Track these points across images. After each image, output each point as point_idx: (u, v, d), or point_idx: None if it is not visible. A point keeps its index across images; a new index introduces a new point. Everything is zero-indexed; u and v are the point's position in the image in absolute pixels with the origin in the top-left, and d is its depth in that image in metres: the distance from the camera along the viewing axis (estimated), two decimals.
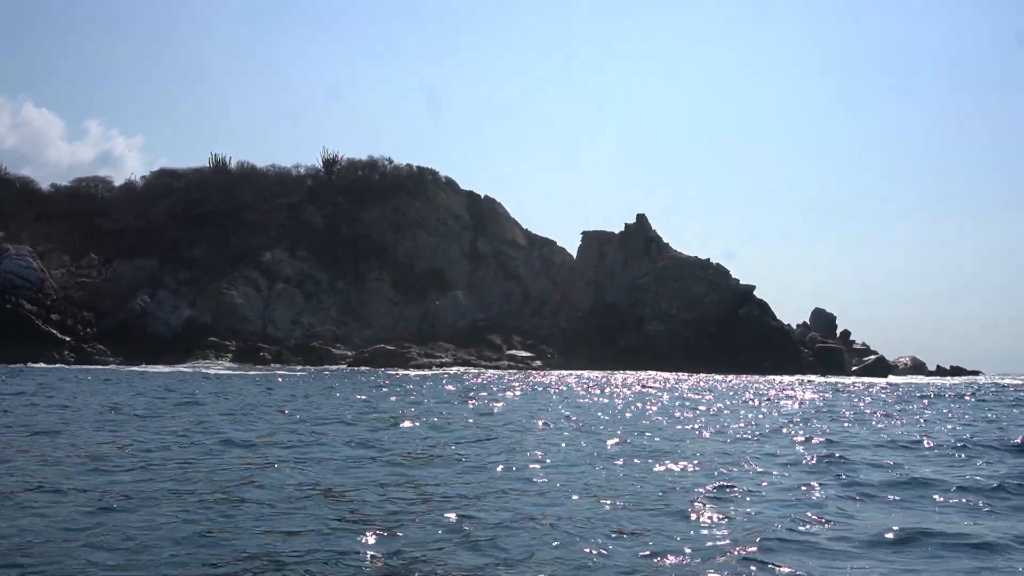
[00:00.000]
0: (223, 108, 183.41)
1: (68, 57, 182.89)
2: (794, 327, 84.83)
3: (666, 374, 62.26)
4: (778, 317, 78.29)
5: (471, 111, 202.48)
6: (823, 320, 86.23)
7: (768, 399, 34.16)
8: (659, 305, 72.33)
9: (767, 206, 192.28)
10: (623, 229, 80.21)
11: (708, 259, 75.26)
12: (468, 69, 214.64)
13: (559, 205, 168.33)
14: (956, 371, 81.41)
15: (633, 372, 63.69)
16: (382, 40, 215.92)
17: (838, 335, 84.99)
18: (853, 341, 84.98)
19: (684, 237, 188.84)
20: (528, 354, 74.35)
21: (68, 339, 64.20)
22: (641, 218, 79.78)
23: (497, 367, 62.95)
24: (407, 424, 19.91)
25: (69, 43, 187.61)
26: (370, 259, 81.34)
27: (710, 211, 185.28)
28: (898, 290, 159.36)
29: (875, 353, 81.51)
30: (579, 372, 63.30)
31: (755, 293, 76.09)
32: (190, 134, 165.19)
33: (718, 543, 8.49)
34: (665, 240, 79.93)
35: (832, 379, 61.60)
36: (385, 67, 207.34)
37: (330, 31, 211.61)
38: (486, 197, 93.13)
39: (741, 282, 76.75)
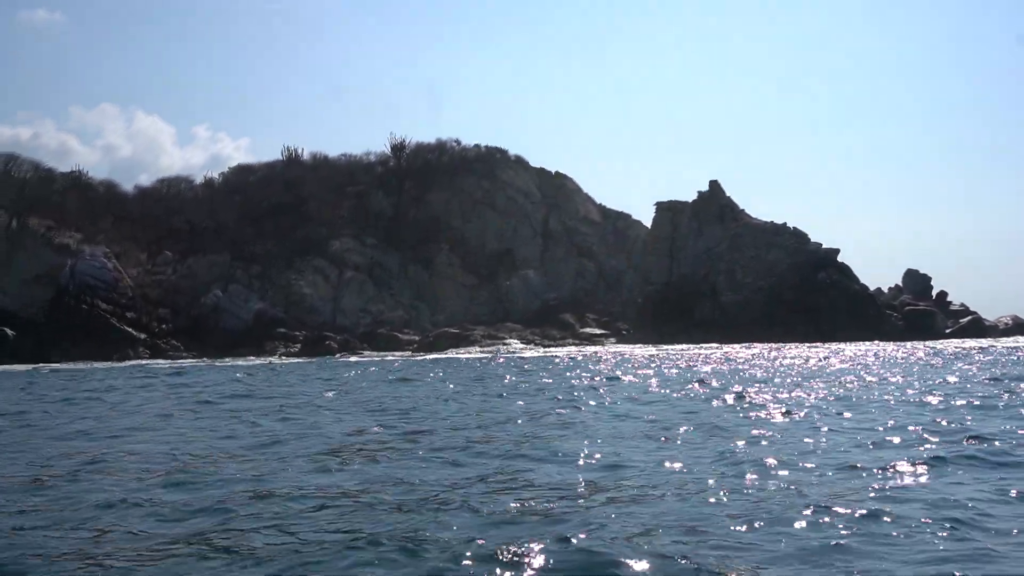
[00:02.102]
0: (322, 103, 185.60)
1: (173, 64, 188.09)
2: (885, 290, 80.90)
3: (736, 346, 59.74)
4: (869, 281, 74.77)
5: (542, 87, 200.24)
6: (917, 281, 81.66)
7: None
8: (733, 274, 69.53)
9: (861, 167, 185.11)
10: (695, 197, 77.44)
11: (784, 223, 71.96)
12: (537, 48, 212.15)
13: (635, 177, 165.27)
14: None
15: (704, 345, 61.37)
16: (444, 22, 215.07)
17: (934, 297, 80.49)
18: (950, 302, 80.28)
19: (768, 202, 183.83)
20: (602, 331, 72.62)
21: (143, 336, 65.35)
22: (714, 184, 76.78)
23: (562, 345, 61.36)
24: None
25: (173, 50, 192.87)
26: (439, 242, 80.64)
27: (799, 176, 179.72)
28: (1001, 248, 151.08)
29: (973, 313, 76.90)
30: (645, 347, 61.29)
31: (840, 257, 72.56)
32: (291, 132, 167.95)
33: None
34: (742, 207, 76.81)
35: (910, 345, 58.14)
36: (455, 49, 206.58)
37: (396, 18, 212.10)
38: (557, 173, 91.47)
39: (824, 246, 73.25)
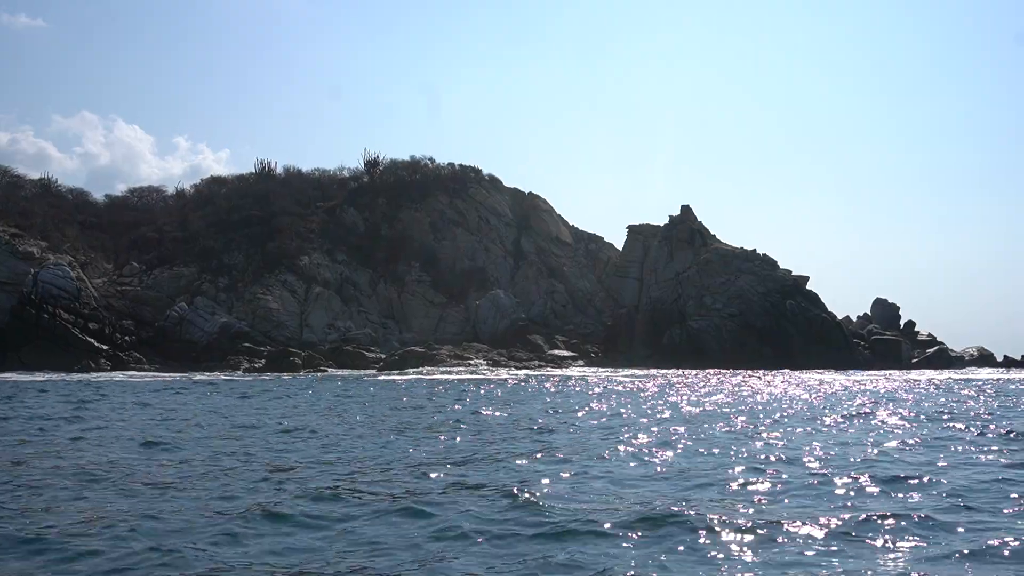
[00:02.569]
0: (303, 117, 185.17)
1: (155, 74, 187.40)
2: (854, 319, 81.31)
3: (706, 371, 59.74)
4: (838, 309, 75.22)
5: (517, 108, 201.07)
6: (885, 310, 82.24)
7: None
8: (702, 299, 69.60)
9: (831, 194, 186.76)
10: (667, 221, 77.64)
11: (754, 250, 72.18)
12: (514, 67, 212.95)
13: (608, 200, 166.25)
14: None
15: (670, 371, 61.30)
16: (422, 39, 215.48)
17: (901, 326, 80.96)
18: (918, 332, 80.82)
19: (738, 229, 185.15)
20: (570, 353, 72.37)
21: (105, 347, 64.37)
22: (686, 209, 77.10)
23: (527, 367, 61.04)
24: None
25: (156, 60, 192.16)
26: (410, 260, 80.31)
27: (770, 202, 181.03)
28: (971, 279, 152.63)
29: (940, 344, 77.40)
30: (604, 371, 61.11)
31: (810, 285, 72.89)
32: (272, 145, 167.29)
33: None
34: (713, 232, 77.07)
35: (873, 374, 58.28)
36: (431, 67, 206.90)
37: (381, 32, 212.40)
38: (530, 193, 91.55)
39: (793, 273, 73.59)
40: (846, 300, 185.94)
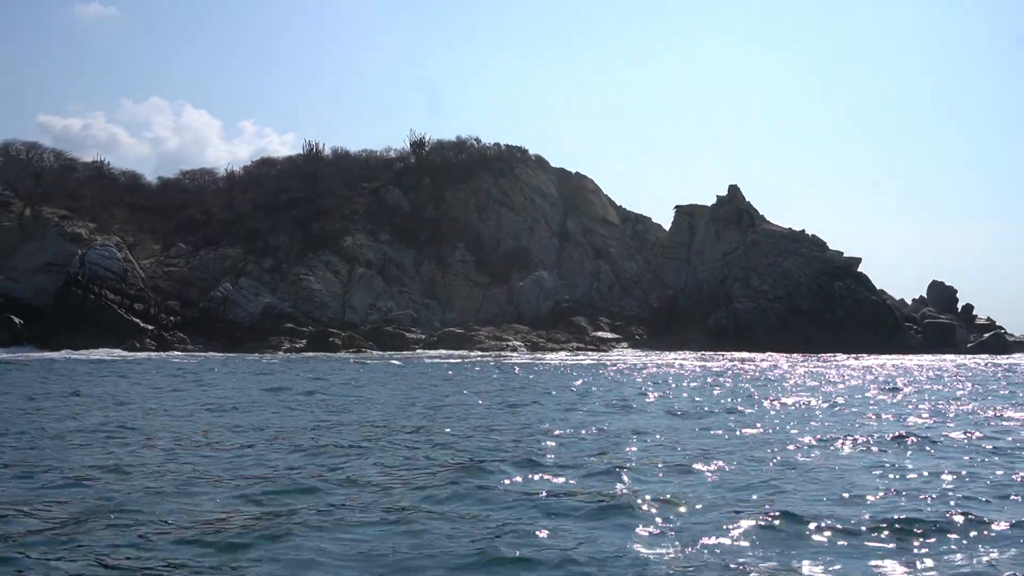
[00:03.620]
0: (360, 99, 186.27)
1: (221, 61, 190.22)
2: (909, 302, 78.99)
3: (751, 354, 58.40)
4: (896, 292, 73.26)
5: (565, 88, 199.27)
6: (942, 293, 79.68)
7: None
8: (749, 281, 68.03)
9: (890, 175, 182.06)
10: (715, 201, 76.01)
11: (803, 231, 70.30)
12: (561, 46, 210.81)
13: (657, 180, 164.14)
14: None
15: (715, 353, 60.04)
16: (474, 23, 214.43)
17: (959, 310, 78.39)
18: (975, 316, 78.24)
19: (791, 210, 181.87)
20: (614, 336, 71.39)
21: (151, 327, 65.14)
22: (733, 189, 75.34)
23: (565, 349, 60.15)
24: None
25: (221, 47, 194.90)
26: (453, 241, 79.88)
27: (823, 182, 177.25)
28: None
29: (998, 328, 74.78)
30: (650, 355, 60.05)
31: (864, 267, 70.85)
32: (333, 127, 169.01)
33: None
34: (765, 213, 75.28)
35: (924, 358, 56.38)
36: (479, 47, 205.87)
37: (423, 20, 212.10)
38: (576, 174, 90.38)
39: (844, 255, 71.57)
40: (904, 282, 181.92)
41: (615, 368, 43.67)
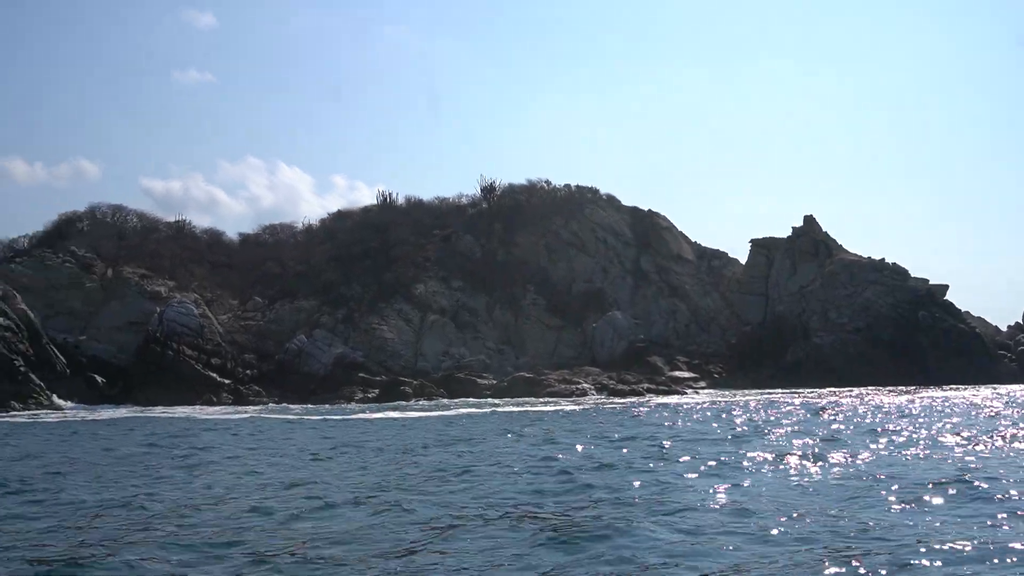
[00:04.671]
0: (444, 147, 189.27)
1: (311, 118, 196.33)
2: (1003, 329, 75.36)
3: (826, 390, 56.10)
4: (991, 319, 69.86)
5: (636, 126, 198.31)
6: None
7: None
8: (827, 314, 65.73)
9: (983, 198, 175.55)
10: (790, 233, 74.02)
11: (883, 259, 67.75)
12: (632, 84, 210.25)
13: (732, 214, 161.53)
14: None
15: (792, 390, 57.90)
16: (540, 65, 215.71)
17: None
18: None
19: (874, 239, 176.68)
20: (691, 375, 69.74)
21: (227, 381, 66.09)
22: (809, 220, 73.37)
23: (635, 392, 58.72)
24: None
25: (311, 105, 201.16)
26: (525, 284, 79.44)
27: (905, 209, 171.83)
28: None
29: None
30: (736, 393, 58.21)
31: (957, 294, 68.30)
32: (423, 177, 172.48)
33: None
34: (844, 243, 72.99)
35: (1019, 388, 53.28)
36: (556, 88, 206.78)
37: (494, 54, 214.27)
38: (649, 211, 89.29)
39: (930, 282, 68.69)
40: (1001, 308, 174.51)
41: (680, 414, 42.26)
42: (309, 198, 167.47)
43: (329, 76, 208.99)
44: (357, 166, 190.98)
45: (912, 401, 43.10)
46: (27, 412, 52.02)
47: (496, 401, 56.39)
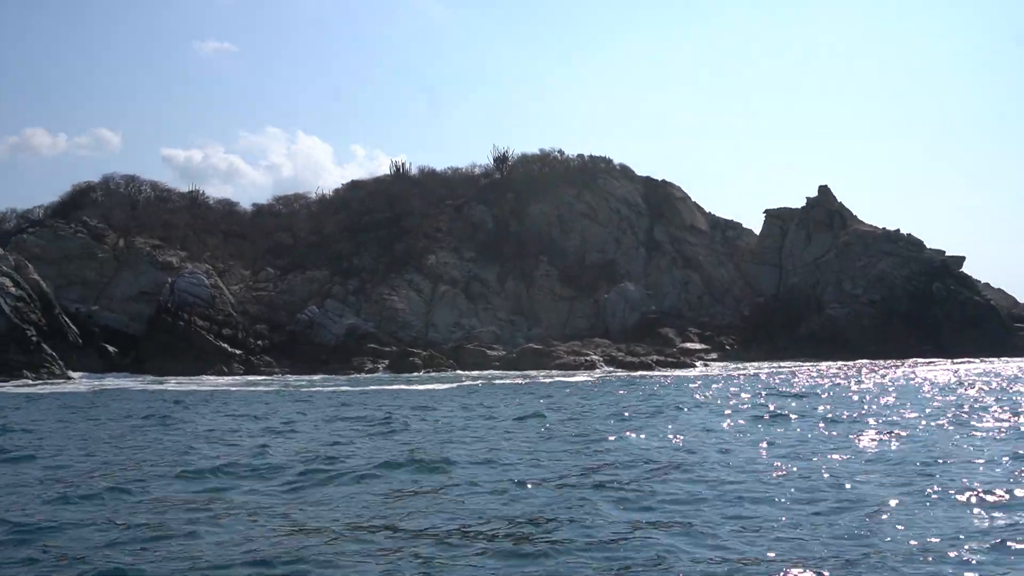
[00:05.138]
0: (452, 116, 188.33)
1: (329, 88, 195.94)
2: (1021, 301, 74.41)
3: (844, 363, 55.62)
4: (1013, 291, 69.07)
5: (649, 95, 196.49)
6: None
7: None
8: (841, 285, 65.06)
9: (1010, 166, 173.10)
10: (804, 203, 73.18)
11: (898, 230, 66.91)
12: (643, 52, 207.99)
13: (747, 184, 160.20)
14: None
15: (802, 363, 57.46)
16: (552, 28, 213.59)
17: None
18: None
19: (894, 210, 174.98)
20: (702, 346, 69.36)
21: (239, 352, 66.22)
22: (823, 190, 72.48)
23: (644, 365, 58.29)
24: None
25: (330, 75, 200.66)
26: (538, 255, 79.03)
27: (924, 177, 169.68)
28: None
29: None
30: (748, 365, 57.82)
31: (977, 266, 67.28)
32: (444, 147, 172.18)
33: None
34: (855, 213, 72.09)
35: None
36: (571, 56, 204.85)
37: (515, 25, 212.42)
38: (663, 181, 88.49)
39: (947, 253, 67.83)
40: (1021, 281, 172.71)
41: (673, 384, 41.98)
42: (329, 168, 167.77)
43: (349, 46, 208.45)
44: (376, 136, 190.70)
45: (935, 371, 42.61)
46: (40, 382, 52.47)
47: (488, 374, 56.28)
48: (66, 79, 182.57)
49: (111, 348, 63.91)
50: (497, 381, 48.35)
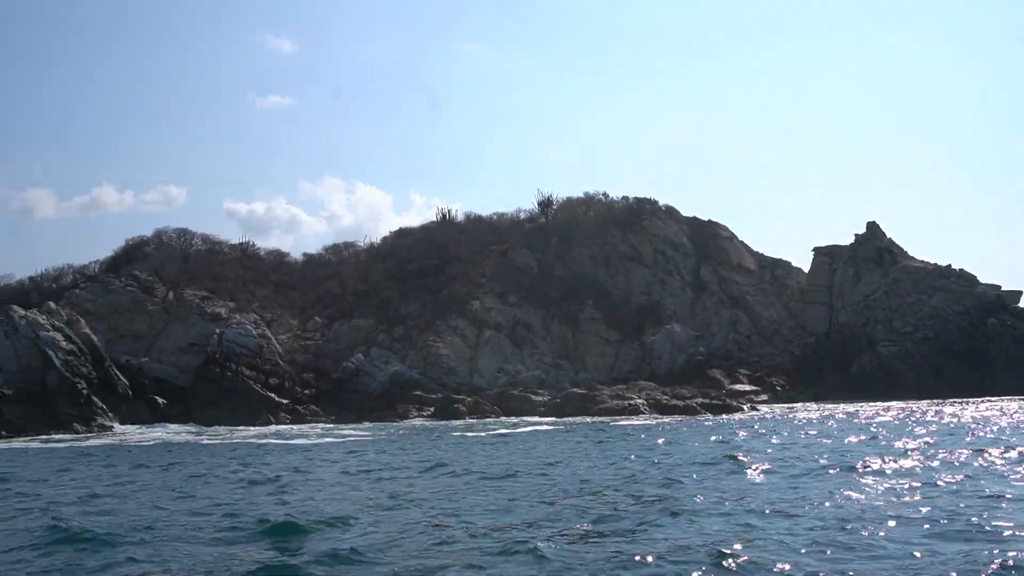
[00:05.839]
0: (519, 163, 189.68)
1: (387, 138, 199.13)
2: None
3: (896, 403, 54.08)
4: None
5: (696, 136, 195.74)
6: None
7: None
8: (891, 323, 63.58)
9: None
10: (853, 240, 71.93)
11: (949, 265, 65.37)
12: (690, 96, 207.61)
13: (796, 222, 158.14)
14: None
15: (855, 404, 55.97)
16: (602, 77, 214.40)
17: None
18: None
19: (947, 245, 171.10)
20: (752, 387, 68.10)
21: (286, 401, 66.70)
22: (872, 226, 71.19)
23: (689, 409, 57.08)
24: None
25: (387, 125, 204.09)
26: (583, 299, 78.63)
27: (976, 212, 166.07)
28: None
29: None
30: (798, 407, 56.48)
31: (1021, 302, 65.07)
32: (497, 192, 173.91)
33: None
34: (905, 248, 70.62)
35: None
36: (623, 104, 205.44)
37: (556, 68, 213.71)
38: (709, 221, 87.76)
39: (1003, 288, 65.99)
40: None
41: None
42: (388, 216, 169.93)
43: (404, 96, 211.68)
44: (431, 184, 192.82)
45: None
46: (89, 434, 53.38)
47: (530, 419, 55.75)
48: (132, 137, 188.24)
49: (160, 400, 64.82)
50: (524, 429, 47.68)
